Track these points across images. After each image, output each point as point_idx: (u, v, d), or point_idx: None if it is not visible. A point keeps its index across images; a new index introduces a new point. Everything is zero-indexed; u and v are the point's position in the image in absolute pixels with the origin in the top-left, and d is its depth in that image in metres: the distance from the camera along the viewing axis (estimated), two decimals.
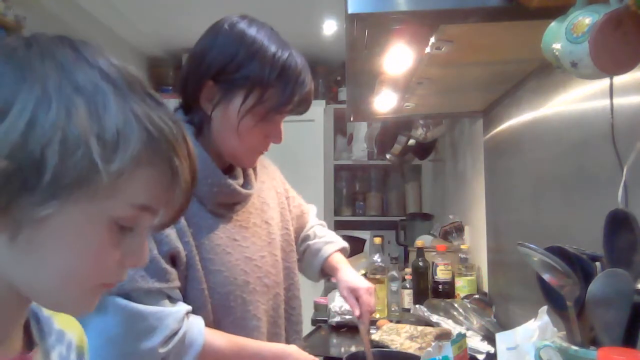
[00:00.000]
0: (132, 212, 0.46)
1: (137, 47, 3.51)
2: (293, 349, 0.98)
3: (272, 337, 1.03)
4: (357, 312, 1.13)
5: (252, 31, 0.92)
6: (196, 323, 0.87)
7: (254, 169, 1.08)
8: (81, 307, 0.49)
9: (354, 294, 1.14)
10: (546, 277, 0.76)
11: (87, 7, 2.85)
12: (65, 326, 0.58)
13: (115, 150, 0.43)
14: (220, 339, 0.89)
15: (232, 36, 0.91)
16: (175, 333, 0.83)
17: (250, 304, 0.96)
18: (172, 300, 0.87)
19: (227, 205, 0.98)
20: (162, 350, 0.81)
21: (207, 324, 0.89)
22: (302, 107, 0.96)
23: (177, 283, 0.87)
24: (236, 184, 0.98)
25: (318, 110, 3.50)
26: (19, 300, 0.49)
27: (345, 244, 1.29)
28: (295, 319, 1.12)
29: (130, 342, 0.81)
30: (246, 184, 1.03)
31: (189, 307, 0.88)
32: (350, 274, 1.18)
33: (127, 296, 0.82)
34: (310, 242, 1.25)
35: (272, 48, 0.91)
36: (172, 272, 0.86)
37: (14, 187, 0.41)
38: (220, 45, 0.91)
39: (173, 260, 0.87)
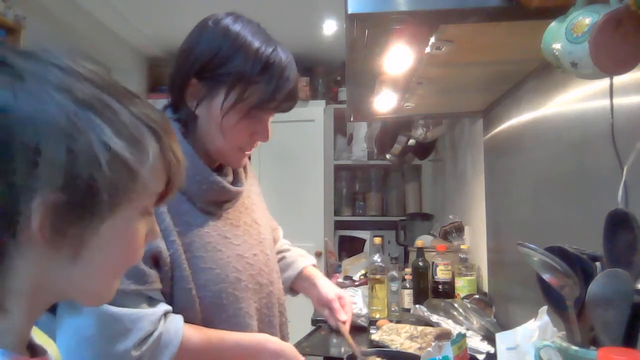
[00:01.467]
0: (153, 198, 0.51)
1: (137, 47, 3.51)
2: (272, 338, 0.97)
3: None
4: (343, 317, 1.13)
5: (236, 27, 0.91)
6: (174, 323, 0.85)
7: (244, 168, 1.07)
8: (110, 295, 0.53)
9: (340, 301, 1.16)
10: (546, 277, 0.76)
11: (87, 7, 2.85)
12: (45, 342, 0.59)
13: (142, 156, 0.47)
14: (197, 335, 0.88)
15: (216, 32, 0.90)
16: (150, 335, 0.82)
17: (242, 301, 0.95)
18: (152, 301, 0.85)
19: (217, 203, 0.97)
20: (135, 353, 0.80)
21: (196, 324, 0.89)
22: (286, 104, 0.94)
23: (157, 285, 0.85)
24: (225, 181, 0.97)
25: (318, 110, 3.50)
26: (44, 307, 0.51)
27: (314, 261, 1.31)
28: (286, 319, 1.12)
29: (104, 344, 0.79)
30: (236, 181, 1.02)
31: (168, 308, 0.86)
32: (329, 283, 1.22)
33: None
34: (285, 254, 1.26)
35: (256, 43, 0.89)
36: (152, 273, 0.85)
37: (74, 214, 0.44)
38: (204, 42, 0.91)
39: (155, 260, 0.86)
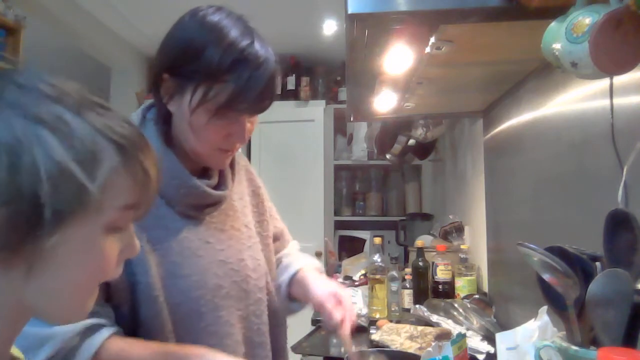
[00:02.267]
0: (119, 214, 0.49)
1: (137, 48, 3.51)
2: (209, 352, 0.84)
3: (256, 346, 0.97)
4: (336, 317, 0.97)
5: (213, 18, 0.84)
6: (92, 339, 0.77)
7: (232, 169, 1.01)
8: (83, 312, 0.52)
9: (335, 299, 1.00)
10: (546, 277, 0.76)
11: (87, 8, 2.85)
12: (17, 353, 0.59)
13: (94, 168, 0.46)
14: (118, 346, 0.79)
15: (191, 24, 0.85)
16: (58, 354, 0.74)
17: (222, 309, 0.90)
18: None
19: (199, 207, 0.92)
20: None
21: (165, 333, 0.83)
22: (258, 106, 0.86)
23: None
24: (207, 184, 0.92)
25: (318, 110, 3.50)
26: (22, 321, 0.51)
27: (320, 265, 1.16)
28: (283, 326, 1.07)
29: None
30: (220, 184, 0.96)
31: (96, 322, 0.78)
32: (324, 281, 1.05)
33: None
34: (283, 258, 1.14)
35: (230, 36, 0.82)
36: None
37: (19, 228, 0.43)
38: (177, 35, 0.86)
39: None
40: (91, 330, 0.78)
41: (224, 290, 0.91)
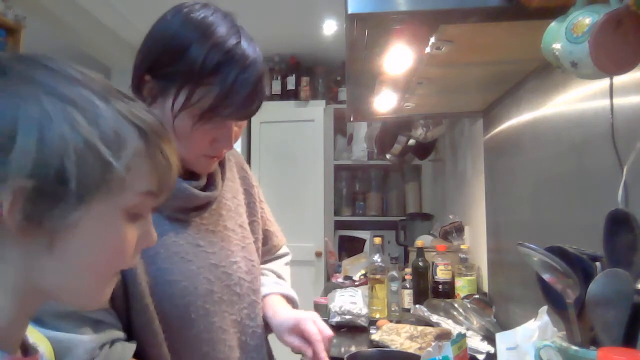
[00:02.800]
0: (139, 199, 0.50)
1: (137, 47, 3.50)
2: None
3: (251, 349, 0.94)
4: (309, 353, 0.90)
5: (197, 15, 0.79)
6: (118, 353, 0.74)
7: (222, 167, 0.97)
8: (100, 299, 0.53)
9: (296, 331, 0.92)
10: (546, 277, 0.76)
11: (87, 7, 2.85)
12: (38, 340, 0.59)
13: (119, 148, 0.48)
14: None
15: (174, 22, 0.80)
16: None
17: (214, 315, 0.87)
18: (99, 325, 0.75)
19: (187, 210, 0.88)
20: None
21: (158, 342, 0.80)
22: (245, 111, 0.80)
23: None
24: (194, 186, 0.87)
25: (318, 110, 3.50)
26: (35, 305, 0.51)
27: (294, 296, 1.08)
28: None
29: None
30: (209, 185, 0.92)
31: (117, 335, 0.76)
32: (286, 311, 0.99)
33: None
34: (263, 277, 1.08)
35: (216, 35, 0.77)
36: None
37: (44, 201, 0.45)
38: (159, 34, 0.80)
39: None
40: (115, 343, 0.76)
41: (216, 295, 0.88)
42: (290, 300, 1.06)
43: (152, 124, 0.51)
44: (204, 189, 0.91)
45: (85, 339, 0.73)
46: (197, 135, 0.81)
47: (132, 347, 0.77)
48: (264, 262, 1.11)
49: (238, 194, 1.02)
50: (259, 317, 0.97)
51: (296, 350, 0.94)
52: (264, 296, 1.02)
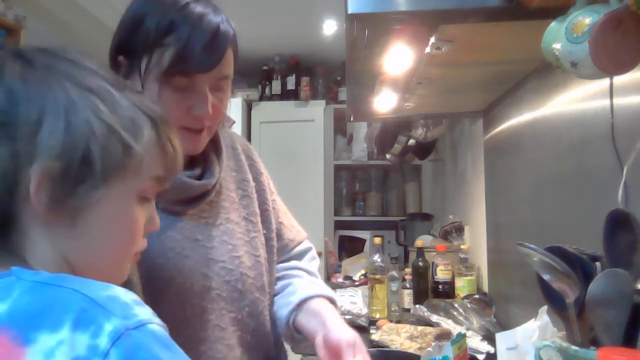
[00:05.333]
0: (149, 183, 0.55)
1: None
2: None
3: (251, 348, 0.90)
4: None
5: None
6: None
7: (218, 154, 0.93)
8: (122, 276, 0.57)
9: (331, 347, 0.82)
10: (546, 277, 0.76)
11: (87, 7, 2.85)
12: None
13: (137, 134, 0.52)
14: None
15: (136, 1, 0.82)
16: None
17: (211, 313, 0.84)
18: None
19: (183, 201, 0.85)
20: None
21: None
22: (204, 63, 0.78)
23: None
24: (188, 175, 0.84)
25: (318, 110, 3.50)
26: None
27: (333, 296, 0.99)
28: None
29: None
30: (206, 173, 0.88)
31: None
32: (342, 324, 0.87)
33: None
34: (292, 280, 1.00)
35: (169, 1, 0.78)
36: None
37: (69, 182, 0.49)
38: (124, 16, 0.82)
39: None
40: None
41: (214, 291, 0.85)
42: (332, 302, 0.97)
43: (160, 114, 0.56)
44: (200, 177, 0.87)
45: None
46: (171, 105, 0.79)
47: None
48: (283, 261, 1.04)
49: (244, 183, 0.98)
50: (263, 314, 0.93)
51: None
52: (306, 299, 0.93)
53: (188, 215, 0.86)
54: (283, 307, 0.96)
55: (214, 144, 0.93)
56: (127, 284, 0.75)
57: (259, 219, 0.97)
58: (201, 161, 0.90)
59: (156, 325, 0.48)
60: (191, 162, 0.87)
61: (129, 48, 0.80)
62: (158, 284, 0.80)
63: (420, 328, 1.48)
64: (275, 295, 1.00)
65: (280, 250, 1.03)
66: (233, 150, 0.99)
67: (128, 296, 0.48)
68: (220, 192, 0.92)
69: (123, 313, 0.46)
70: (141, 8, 0.80)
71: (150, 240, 0.77)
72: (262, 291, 0.93)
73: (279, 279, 1.02)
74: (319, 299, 0.95)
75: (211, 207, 0.89)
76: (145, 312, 0.48)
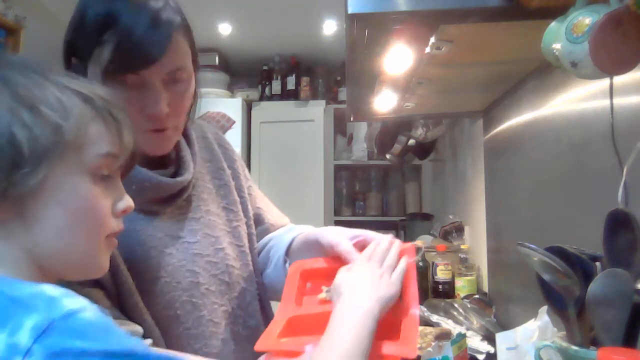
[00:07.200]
0: (100, 161, 0.54)
1: None
2: None
3: (243, 339, 0.89)
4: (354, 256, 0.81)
5: None
6: None
7: (191, 149, 0.91)
8: (100, 265, 0.56)
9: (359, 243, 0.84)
10: (546, 277, 0.76)
11: None
12: None
13: (65, 111, 0.51)
14: None
15: (78, 3, 0.77)
16: None
17: (203, 308, 0.83)
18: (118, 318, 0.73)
19: (161, 200, 0.83)
20: None
21: (154, 339, 0.78)
22: (144, 56, 0.72)
23: (103, 303, 0.74)
24: (162, 174, 0.82)
25: (318, 110, 3.50)
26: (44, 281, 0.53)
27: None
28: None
29: None
30: (180, 169, 0.86)
31: (135, 329, 0.74)
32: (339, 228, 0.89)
33: None
34: (272, 238, 1.00)
35: None
36: (92, 292, 0.73)
37: (3, 170, 0.48)
38: (72, 15, 0.77)
39: (99, 283, 0.74)
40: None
41: (203, 287, 0.84)
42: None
43: (97, 91, 0.55)
44: (174, 175, 0.86)
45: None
46: (126, 106, 0.75)
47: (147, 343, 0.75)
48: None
49: (220, 172, 0.96)
50: (252, 305, 0.92)
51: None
52: (291, 242, 0.95)
53: (167, 213, 0.84)
54: (273, 263, 0.96)
55: (186, 138, 0.91)
56: (122, 287, 0.76)
57: (239, 207, 0.96)
58: (174, 158, 0.88)
59: (90, 312, 0.45)
60: (164, 160, 0.86)
61: (75, 48, 0.77)
62: (148, 285, 0.79)
63: (420, 328, 1.48)
64: (263, 271, 1.00)
65: (260, 234, 1.02)
66: (204, 140, 0.98)
67: (57, 291, 0.46)
68: (196, 185, 0.90)
69: (47, 307, 0.44)
70: (81, 6, 0.76)
71: (131, 241, 0.78)
72: (249, 281, 0.93)
73: (260, 252, 1.01)
74: (302, 234, 0.97)
75: (190, 202, 0.88)
76: (76, 302, 0.45)
